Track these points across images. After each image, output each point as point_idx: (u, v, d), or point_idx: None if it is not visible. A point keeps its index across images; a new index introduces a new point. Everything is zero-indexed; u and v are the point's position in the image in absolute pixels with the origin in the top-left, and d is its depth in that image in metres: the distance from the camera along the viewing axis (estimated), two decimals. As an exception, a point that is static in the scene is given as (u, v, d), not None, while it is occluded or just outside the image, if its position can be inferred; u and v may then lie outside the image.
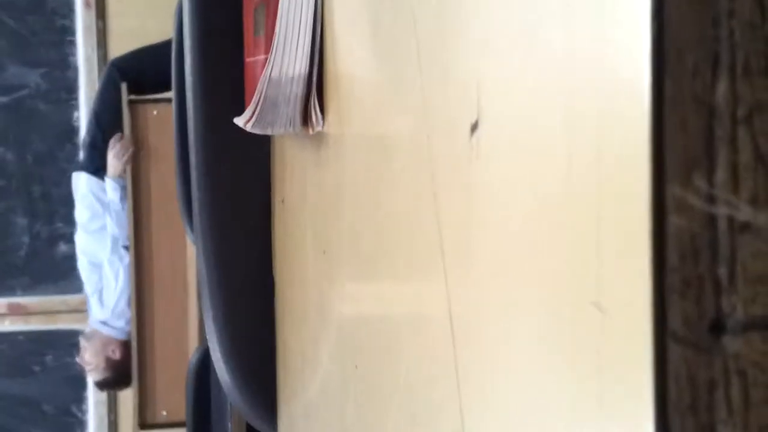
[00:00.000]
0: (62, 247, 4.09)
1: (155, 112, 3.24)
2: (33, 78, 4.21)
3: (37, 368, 4.26)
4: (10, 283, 4.23)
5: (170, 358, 3.25)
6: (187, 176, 2.07)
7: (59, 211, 4.09)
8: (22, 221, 4.22)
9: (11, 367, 4.25)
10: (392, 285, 1.11)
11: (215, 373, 2.02)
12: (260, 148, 1.68)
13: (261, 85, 1.39)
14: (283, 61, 1.37)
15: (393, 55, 1.08)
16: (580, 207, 0.69)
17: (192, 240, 2.33)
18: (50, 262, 4.20)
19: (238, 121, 1.42)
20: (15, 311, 4.23)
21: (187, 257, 3.13)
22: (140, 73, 3.32)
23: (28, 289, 4.24)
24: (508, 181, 0.80)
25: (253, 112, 1.39)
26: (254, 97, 1.40)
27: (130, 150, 3.26)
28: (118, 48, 3.87)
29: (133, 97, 3.27)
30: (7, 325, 4.24)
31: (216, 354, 1.72)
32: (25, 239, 4.23)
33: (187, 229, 2.29)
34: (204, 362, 2.45)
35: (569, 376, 0.70)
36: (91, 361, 3.46)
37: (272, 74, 1.38)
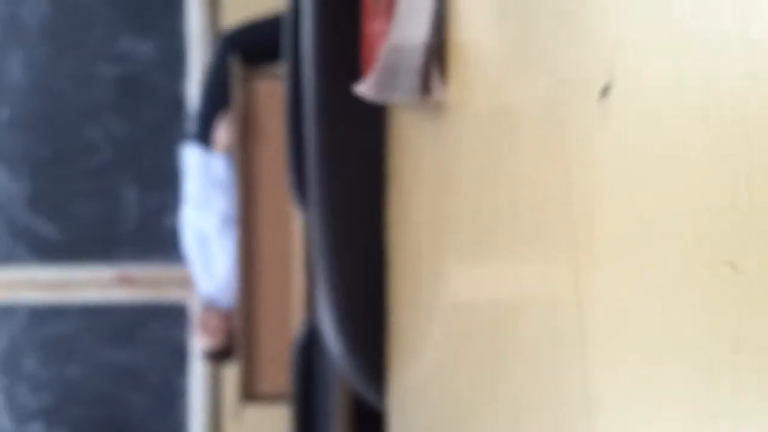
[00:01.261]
0: (170, 219, 4.12)
1: (266, 85, 3.26)
2: (145, 49, 4.25)
3: (141, 338, 4.31)
4: (118, 253, 4.28)
5: (274, 332, 3.27)
6: (298, 148, 2.07)
7: (168, 182, 4.12)
8: (131, 192, 4.27)
9: (117, 336, 4.31)
10: (516, 254, 1.10)
11: (320, 346, 2.03)
12: (377, 118, 1.68)
13: (382, 53, 1.38)
14: (405, 28, 1.36)
15: (520, 17, 1.07)
16: (716, 167, 0.67)
17: (300, 213, 2.34)
18: (158, 234, 4.25)
19: (359, 88, 1.42)
20: (122, 281, 4.29)
21: (292, 233, 3.15)
22: (252, 45, 3.33)
23: (136, 260, 4.29)
24: (641, 143, 0.79)
25: (374, 80, 1.39)
26: (375, 65, 1.40)
27: (240, 128, 3.29)
28: (231, 19, 3.89)
29: (243, 70, 3.28)
30: (115, 295, 4.30)
31: (327, 323, 1.73)
32: (134, 210, 4.28)
33: (296, 201, 2.29)
34: (309, 336, 2.46)
35: (704, 333, 0.69)
36: (216, 327, 3.46)
37: (394, 42, 1.37)
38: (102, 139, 4.27)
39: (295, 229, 3.10)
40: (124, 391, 4.33)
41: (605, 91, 0.85)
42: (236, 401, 3.41)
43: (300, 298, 3.00)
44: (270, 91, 3.21)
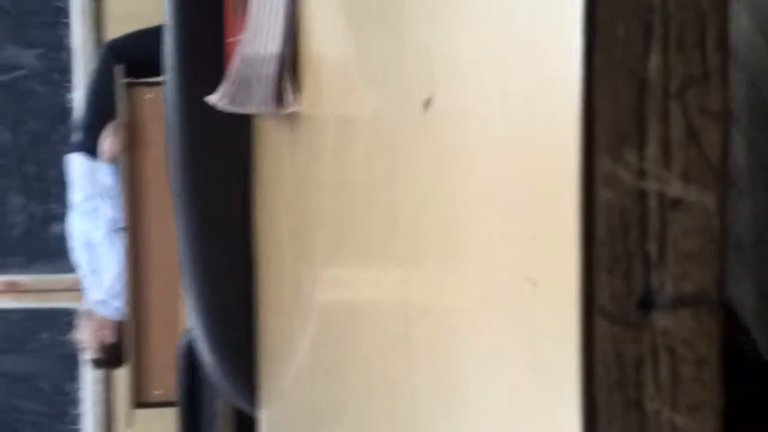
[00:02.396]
0: (56, 227, 4.11)
1: (149, 96, 3.24)
2: (28, 59, 4.23)
3: (32, 345, 4.30)
4: (6, 261, 4.27)
5: (164, 338, 3.27)
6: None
7: (53, 191, 4.12)
8: (17, 200, 4.25)
9: (7, 344, 4.30)
10: (353, 262, 1.11)
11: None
12: (241, 129, 1.68)
13: (235, 64, 1.38)
14: (256, 40, 1.36)
15: (357, 32, 1.08)
16: (516, 183, 0.69)
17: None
18: (45, 242, 4.24)
19: (213, 98, 1.42)
20: (10, 289, 4.27)
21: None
22: (135, 56, 3.32)
23: (23, 268, 4.28)
24: (455, 157, 0.80)
25: (228, 90, 1.39)
26: (228, 75, 1.40)
27: (125, 136, 3.27)
28: (114, 30, 3.88)
29: (127, 80, 3.27)
30: (3, 303, 4.28)
31: (198, 334, 1.73)
32: (20, 218, 4.26)
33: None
34: (193, 343, 2.46)
35: (506, 349, 0.70)
36: (86, 341, 3.50)
37: (246, 53, 1.37)
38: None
39: (183, 236, 3.09)
40: (17, 400, 4.31)
41: (427, 104, 0.86)
42: (127, 407, 3.40)
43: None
44: (154, 100, 3.20)
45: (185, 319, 3.13)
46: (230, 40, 1.60)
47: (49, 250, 4.20)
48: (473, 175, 0.76)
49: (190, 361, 2.51)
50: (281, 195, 1.50)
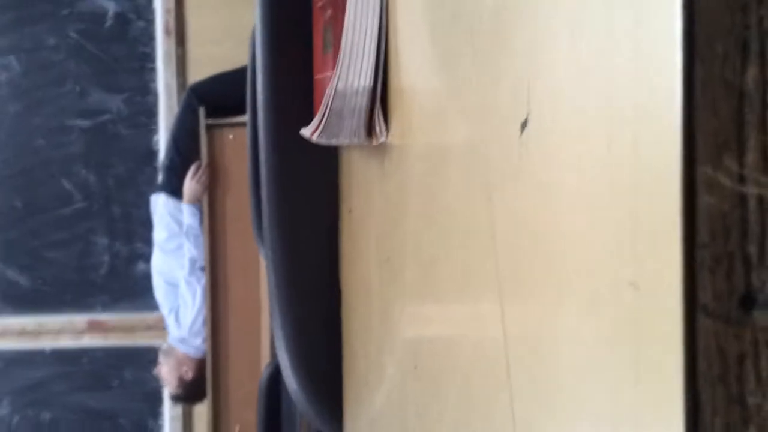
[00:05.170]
0: (141, 266, 4.18)
1: (231, 136, 3.30)
2: (115, 103, 4.31)
3: (115, 383, 4.35)
4: (90, 301, 4.33)
5: (244, 375, 3.31)
6: (260, 195, 2.11)
7: (138, 231, 4.19)
8: (102, 241, 4.32)
9: (91, 382, 4.35)
10: (449, 287, 1.13)
11: (285, 387, 2.06)
12: (328, 161, 1.72)
13: (327, 97, 1.43)
14: (348, 74, 1.40)
15: (450, 63, 1.11)
16: (618, 191, 0.71)
17: (264, 257, 2.36)
18: (129, 281, 4.30)
19: (305, 131, 1.46)
20: (94, 327, 4.33)
21: (260, 278, 3.18)
22: (217, 97, 3.38)
23: (108, 307, 4.34)
24: (553, 173, 0.83)
25: (319, 123, 1.43)
26: (320, 108, 1.44)
27: (208, 176, 3.32)
28: (197, 74, 3.96)
29: (210, 121, 3.33)
30: (87, 341, 4.34)
31: (284, 362, 1.76)
32: (105, 258, 4.33)
33: (260, 248, 2.33)
34: (274, 377, 2.49)
35: (609, 353, 0.73)
36: (166, 378, 3.55)
37: (338, 86, 1.42)
38: (73, 190, 4.32)
39: (263, 275, 3.13)
40: (99, 436, 4.36)
41: (523, 127, 0.89)
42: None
43: (268, 343, 3.03)
44: (235, 140, 3.26)
45: (264, 356, 3.17)
46: (318, 76, 1.64)
47: (133, 289, 4.27)
48: (574, 188, 0.79)
49: (270, 396, 2.54)
50: (369, 224, 1.53)
